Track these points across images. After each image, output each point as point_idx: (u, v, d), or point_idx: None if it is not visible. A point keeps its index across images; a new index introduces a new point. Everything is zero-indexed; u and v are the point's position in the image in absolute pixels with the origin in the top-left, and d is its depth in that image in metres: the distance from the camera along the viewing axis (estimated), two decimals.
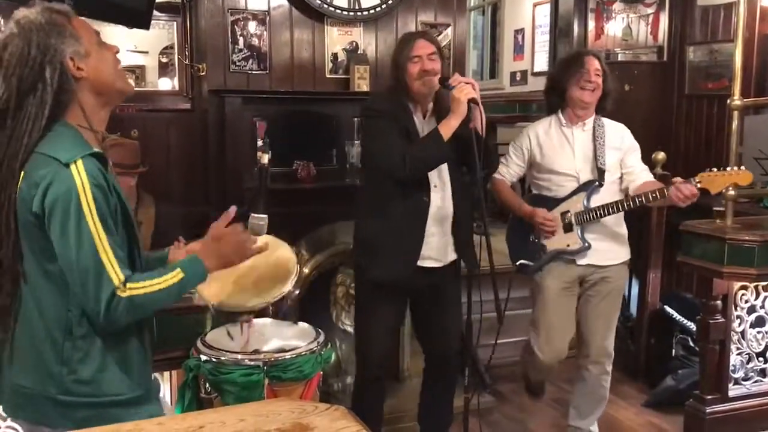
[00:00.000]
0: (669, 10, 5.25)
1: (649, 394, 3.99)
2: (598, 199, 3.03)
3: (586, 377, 3.23)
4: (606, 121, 3.17)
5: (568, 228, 3.07)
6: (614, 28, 5.22)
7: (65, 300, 1.61)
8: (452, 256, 2.91)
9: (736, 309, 3.48)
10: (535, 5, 7.22)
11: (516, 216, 3.20)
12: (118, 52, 1.73)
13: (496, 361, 3.84)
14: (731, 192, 3.29)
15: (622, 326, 4.52)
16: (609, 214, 3.01)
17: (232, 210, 1.82)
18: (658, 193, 2.89)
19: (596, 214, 3.01)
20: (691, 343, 3.99)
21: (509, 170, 3.19)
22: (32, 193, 1.55)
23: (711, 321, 3.43)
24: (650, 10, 5.26)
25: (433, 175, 2.82)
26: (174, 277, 1.64)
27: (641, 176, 3.07)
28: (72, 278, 1.57)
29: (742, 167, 2.99)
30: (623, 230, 3.16)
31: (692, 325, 3.96)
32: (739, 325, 3.51)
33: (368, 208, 2.93)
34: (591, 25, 5.17)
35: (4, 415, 2.43)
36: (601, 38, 5.21)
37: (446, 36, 4.42)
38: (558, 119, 3.15)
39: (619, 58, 5.26)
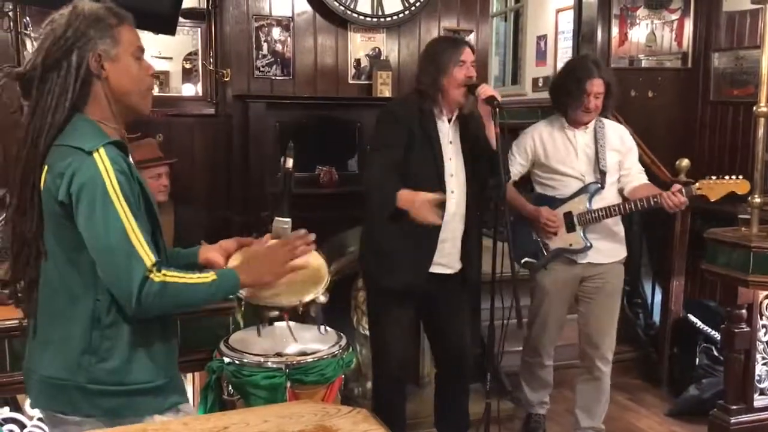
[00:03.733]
0: (694, 16, 5.20)
1: (672, 403, 3.95)
2: (599, 201, 3.17)
3: (598, 376, 3.33)
4: (606, 121, 3.29)
5: (570, 228, 3.20)
6: (638, 34, 5.18)
7: (93, 290, 1.64)
8: (460, 264, 2.92)
9: (761, 318, 3.44)
10: (558, 11, 7.20)
11: (518, 215, 3.29)
12: (152, 74, 1.77)
13: (517, 368, 3.85)
14: (757, 199, 3.26)
15: (644, 334, 4.51)
16: (611, 216, 3.16)
17: (267, 237, 1.95)
18: (654, 200, 3.05)
19: (599, 215, 3.16)
20: (716, 353, 3.95)
21: (512, 169, 3.23)
22: (57, 183, 1.58)
23: (736, 330, 3.39)
24: (675, 16, 5.22)
25: (450, 181, 2.83)
26: (207, 277, 1.67)
27: (637, 178, 3.23)
28: (102, 263, 1.58)
29: (740, 176, 3.08)
30: (620, 229, 3.29)
31: (716, 334, 3.92)
32: (765, 334, 3.46)
33: (379, 213, 2.87)
34: (615, 31, 5.13)
35: (30, 413, 2.48)
36: (625, 44, 5.17)
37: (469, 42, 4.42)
38: (561, 122, 3.26)
39: (643, 65, 5.23)
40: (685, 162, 3.98)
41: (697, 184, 3.05)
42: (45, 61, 1.63)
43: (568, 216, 3.22)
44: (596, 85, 3.09)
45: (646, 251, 4.75)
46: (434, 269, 2.86)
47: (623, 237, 3.32)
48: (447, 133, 2.86)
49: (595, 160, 3.20)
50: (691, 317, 4.18)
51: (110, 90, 1.68)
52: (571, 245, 3.22)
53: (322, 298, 2.16)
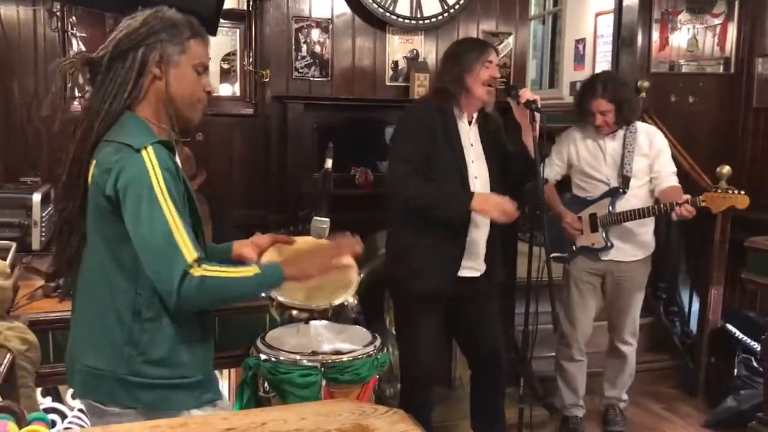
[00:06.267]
0: (738, 20, 5.11)
1: (709, 414, 3.89)
2: (623, 204, 3.37)
3: (619, 355, 3.64)
4: (639, 126, 3.45)
5: (594, 228, 3.45)
6: (679, 38, 5.10)
7: (134, 283, 1.67)
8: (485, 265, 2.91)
9: None
10: (597, 15, 7.13)
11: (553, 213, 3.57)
12: (209, 92, 1.81)
13: (549, 373, 3.82)
14: None
15: (680, 343, 4.44)
16: (629, 219, 3.35)
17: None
18: (663, 208, 3.23)
19: (618, 218, 3.37)
20: (755, 363, 3.88)
21: (551, 170, 3.51)
22: (105, 178, 1.62)
23: None
24: (717, 21, 5.13)
25: (475, 183, 2.81)
26: (249, 271, 1.68)
27: (666, 180, 3.36)
28: (146, 258, 1.61)
29: (742, 191, 3.19)
30: (645, 231, 3.47)
31: (756, 345, 3.85)
32: None
33: (405, 217, 2.85)
34: (655, 35, 5.05)
35: (72, 404, 2.54)
36: (666, 49, 5.09)
37: (507, 45, 4.40)
38: (592, 128, 3.44)
39: (684, 70, 5.15)
40: (726, 169, 3.92)
41: (702, 196, 3.18)
42: (114, 50, 1.70)
43: (593, 217, 3.45)
44: (598, 105, 3.30)
45: (684, 259, 4.67)
46: (463, 272, 2.85)
47: (647, 239, 3.50)
48: (468, 134, 2.84)
49: (621, 166, 3.37)
50: (730, 327, 4.11)
51: (162, 92, 1.73)
52: (593, 244, 3.47)
53: (352, 300, 2.17)
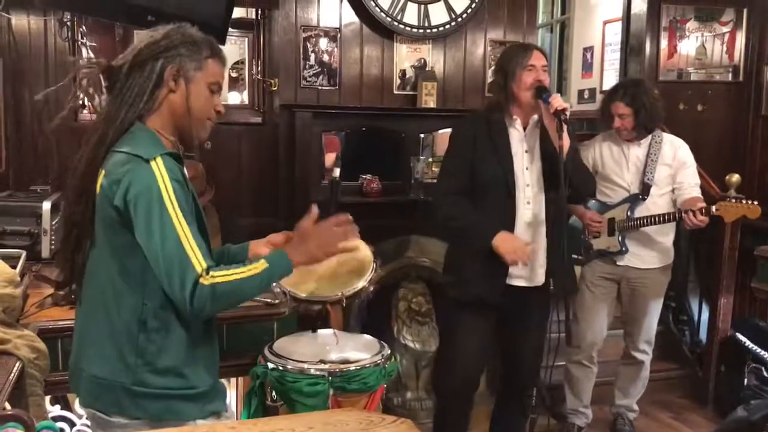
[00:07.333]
0: (746, 28, 5.10)
1: (719, 424, 3.85)
2: (642, 211, 3.42)
3: (633, 362, 3.66)
4: (666, 136, 3.49)
5: (611, 232, 3.50)
6: (688, 47, 5.09)
7: (141, 293, 1.68)
8: (542, 278, 2.83)
9: None
10: (605, 23, 7.12)
11: (573, 216, 3.61)
12: (219, 111, 1.82)
13: (558, 382, 3.81)
14: None
15: (690, 352, 4.41)
16: (645, 225, 3.40)
17: (315, 210, 1.87)
18: (675, 215, 3.29)
19: (635, 224, 3.41)
20: (765, 373, 3.85)
21: None
22: (114, 189, 1.63)
23: None
24: (726, 29, 5.13)
25: (526, 192, 2.78)
26: (258, 267, 1.68)
27: (688, 191, 3.39)
28: (158, 269, 1.62)
29: (755, 201, 3.23)
30: (665, 239, 3.49)
31: (766, 354, 3.82)
32: None
33: (467, 244, 2.84)
34: (663, 43, 5.05)
35: (80, 412, 2.54)
36: (674, 57, 5.09)
37: None
38: (617, 136, 3.51)
39: (692, 78, 5.14)
40: (735, 177, 3.91)
41: (716, 205, 3.22)
42: (134, 59, 1.72)
43: (611, 221, 3.50)
44: (616, 108, 3.39)
45: (693, 268, 4.65)
46: (514, 282, 2.79)
47: (668, 247, 3.51)
48: (522, 141, 2.79)
49: (642, 173, 3.41)
50: (740, 336, 4.08)
51: (175, 106, 1.75)
52: (609, 248, 3.51)
53: (368, 286, 2.17)
